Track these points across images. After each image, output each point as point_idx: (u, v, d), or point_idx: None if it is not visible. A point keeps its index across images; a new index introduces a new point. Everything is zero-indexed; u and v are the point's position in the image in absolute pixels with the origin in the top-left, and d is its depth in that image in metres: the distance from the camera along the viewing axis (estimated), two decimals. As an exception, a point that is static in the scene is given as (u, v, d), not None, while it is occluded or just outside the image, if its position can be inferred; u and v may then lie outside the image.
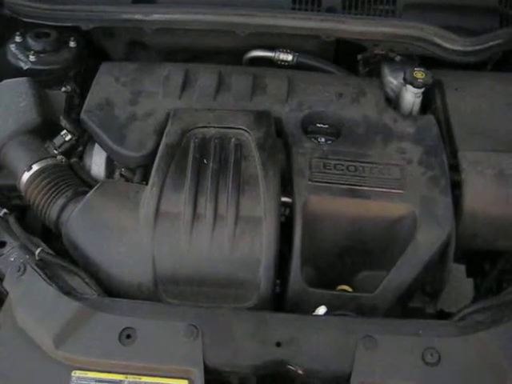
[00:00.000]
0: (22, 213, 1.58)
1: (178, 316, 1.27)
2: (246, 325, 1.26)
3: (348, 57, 1.84)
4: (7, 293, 1.33)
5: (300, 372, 1.22)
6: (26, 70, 1.72)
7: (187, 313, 1.28)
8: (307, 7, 1.82)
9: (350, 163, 1.45)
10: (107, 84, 1.64)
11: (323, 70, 1.77)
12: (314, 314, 1.31)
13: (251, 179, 1.39)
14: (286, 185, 1.44)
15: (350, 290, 1.45)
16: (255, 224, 1.35)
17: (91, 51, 1.87)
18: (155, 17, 1.74)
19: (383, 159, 1.47)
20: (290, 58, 1.78)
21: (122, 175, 1.54)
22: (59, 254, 1.40)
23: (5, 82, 1.64)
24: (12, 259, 1.37)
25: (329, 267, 1.47)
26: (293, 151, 1.48)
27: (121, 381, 1.22)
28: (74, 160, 1.55)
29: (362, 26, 1.71)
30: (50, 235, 1.51)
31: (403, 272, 1.37)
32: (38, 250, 1.35)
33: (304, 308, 1.35)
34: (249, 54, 1.81)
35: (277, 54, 1.78)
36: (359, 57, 1.80)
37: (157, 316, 1.27)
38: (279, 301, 1.39)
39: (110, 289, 1.36)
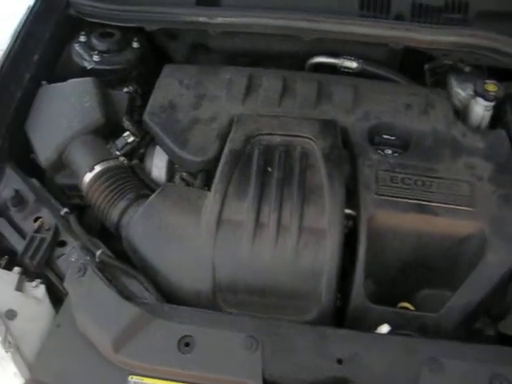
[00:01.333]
0: (81, 212, 1.58)
1: (237, 326, 1.24)
2: (307, 339, 1.23)
3: (413, 66, 1.79)
4: (67, 293, 1.34)
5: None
6: (90, 69, 1.73)
7: (247, 324, 1.26)
8: (375, 14, 1.77)
9: (418, 177, 1.41)
10: (170, 86, 1.63)
11: (388, 79, 1.73)
12: (377, 331, 1.28)
13: (316, 190, 1.36)
14: (351, 197, 1.40)
15: (411, 307, 1.41)
16: (319, 236, 1.32)
17: (153, 52, 1.86)
18: (220, 20, 1.72)
19: (452, 174, 1.43)
20: (354, 65, 1.74)
21: (182, 179, 1.53)
22: (117, 256, 1.40)
23: (70, 81, 1.64)
24: (73, 259, 1.37)
25: (390, 283, 1.43)
26: (359, 163, 1.44)
27: (177, 389, 1.21)
28: (135, 162, 1.54)
29: (431, 35, 1.65)
30: (108, 236, 1.51)
31: (471, 292, 1.32)
32: (99, 252, 1.35)
33: (365, 324, 1.32)
34: (312, 60, 1.78)
35: (341, 61, 1.75)
36: (426, 66, 1.75)
37: (216, 325, 1.25)
38: (339, 315, 1.36)
39: (167, 294, 1.34)
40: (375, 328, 1.29)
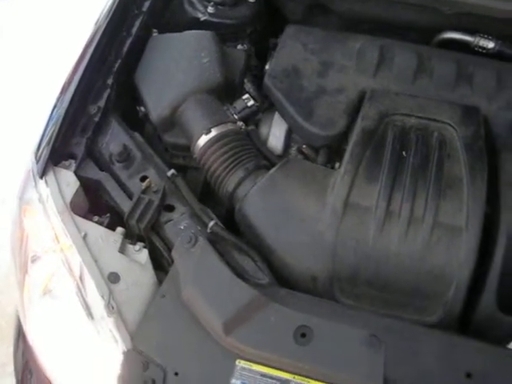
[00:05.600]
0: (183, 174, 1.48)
1: (359, 322, 1.15)
2: (434, 345, 1.13)
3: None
4: (172, 262, 1.26)
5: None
6: (203, 21, 1.61)
7: (370, 321, 1.16)
8: None
9: None
10: (294, 49, 1.50)
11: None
12: (510, 346, 1.17)
13: (455, 182, 1.24)
14: (489, 194, 1.28)
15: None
16: (454, 233, 1.20)
17: (268, 10, 1.73)
18: None
19: None
20: (491, 45, 1.57)
21: (301, 152, 1.42)
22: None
23: (187, 33, 1.53)
24: (181, 227, 1.28)
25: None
26: (501, 157, 1.31)
27: (287, 380, 1.12)
28: (251, 128, 1.43)
29: None
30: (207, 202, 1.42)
31: None
32: (212, 223, 1.26)
33: (492, 335, 1.20)
34: (443, 35, 1.62)
35: (476, 40, 1.58)
36: None
37: (336, 318, 1.16)
38: (463, 320, 1.25)
39: (280, 276, 1.25)
40: (504, 341, 1.18)
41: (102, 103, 1.43)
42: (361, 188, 1.24)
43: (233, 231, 1.32)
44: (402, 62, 1.45)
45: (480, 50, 1.60)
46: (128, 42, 1.52)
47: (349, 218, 1.22)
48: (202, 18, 1.61)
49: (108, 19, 1.50)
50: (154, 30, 1.59)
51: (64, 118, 1.37)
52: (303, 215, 1.25)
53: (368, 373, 1.10)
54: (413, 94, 1.40)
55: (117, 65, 1.49)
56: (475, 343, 1.16)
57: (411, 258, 1.21)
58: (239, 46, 1.59)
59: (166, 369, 1.14)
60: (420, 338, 1.14)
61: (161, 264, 1.29)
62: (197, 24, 1.61)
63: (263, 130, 1.46)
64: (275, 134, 1.44)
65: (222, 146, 1.33)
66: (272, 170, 1.30)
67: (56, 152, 1.35)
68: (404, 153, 1.27)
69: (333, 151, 1.38)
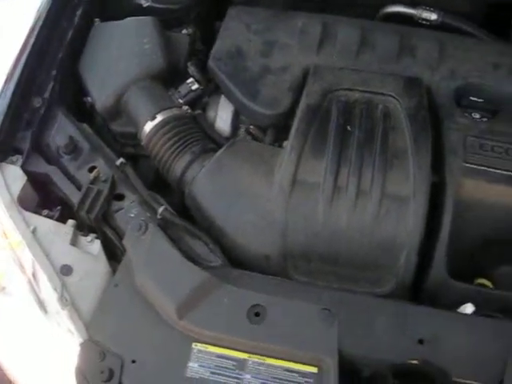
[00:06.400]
0: (134, 163, 1.47)
1: (312, 298, 1.15)
2: (387, 315, 1.14)
3: (498, 21, 1.63)
4: (124, 250, 1.25)
5: (442, 374, 1.11)
6: (146, 7, 1.59)
7: (322, 295, 1.17)
8: None
9: (510, 146, 1.28)
10: (237, 30, 1.49)
11: (470, 35, 1.58)
12: (460, 311, 1.19)
13: (400, 153, 1.25)
14: (434, 163, 1.28)
15: (489, 284, 1.31)
16: (402, 203, 1.21)
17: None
18: None
19: None
20: (434, 16, 1.58)
21: (249, 133, 1.41)
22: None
23: (128, 19, 1.52)
24: (132, 215, 1.27)
25: (468, 257, 1.32)
26: (444, 126, 1.32)
27: (244, 360, 1.13)
28: (198, 112, 1.43)
29: None
30: (161, 190, 1.41)
31: None
32: (161, 209, 1.25)
33: (443, 301, 1.22)
34: (386, 9, 1.62)
35: (419, 12, 1.59)
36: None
37: (289, 295, 1.16)
38: (415, 289, 1.27)
39: (233, 258, 1.25)
40: (455, 306, 1.20)
41: (46, 95, 1.41)
42: (307, 164, 1.24)
43: (187, 216, 1.33)
44: (344, 38, 1.45)
45: (424, 22, 1.61)
46: (70, 32, 1.50)
47: (297, 195, 1.22)
48: (145, 4, 1.59)
49: (47, 9, 1.47)
50: (96, 19, 1.56)
51: (7, 113, 1.34)
52: (252, 195, 1.25)
53: (322, 347, 1.10)
54: (356, 68, 1.40)
55: (59, 56, 1.46)
56: (427, 310, 1.17)
57: (361, 231, 1.22)
58: (184, 31, 1.57)
59: (123, 357, 1.13)
60: (372, 308, 1.15)
61: (114, 253, 1.28)
62: (140, 11, 1.58)
63: (210, 113, 1.45)
64: (222, 117, 1.43)
65: (167, 131, 1.32)
66: (218, 152, 1.29)
67: (1, 147, 1.33)
68: (349, 127, 1.28)
69: (280, 130, 1.38)
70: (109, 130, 1.47)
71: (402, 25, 1.54)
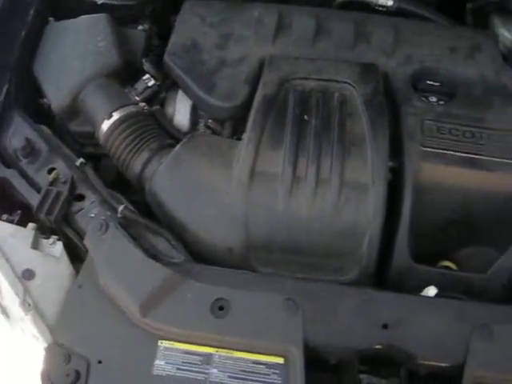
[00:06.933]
0: (96, 162, 1.46)
1: (275, 288, 1.15)
2: (350, 302, 1.15)
3: (453, 5, 1.64)
4: (87, 251, 1.24)
5: (407, 358, 1.12)
6: (101, 4, 1.57)
7: (285, 285, 1.17)
8: None
9: (467, 128, 1.29)
10: (193, 24, 1.48)
11: (427, 19, 1.58)
12: (423, 294, 1.20)
13: (357, 140, 1.25)
14: (392, 148, 1.28)
15: (453, 266, 1.32)
16: (361, 191, 1.22)
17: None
18: None
19: (502, 125, 1.31)
20: (390, 2, 1.58)
21: (208, 127, 1.40)
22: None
23: (82, 18, 1.50)
24: (92, 215, 1.26)
25: (431, 240, 1.33)
26: (401, 111, 1.32)
27: (211, 354, 1.13)
28: (156, 108, 1.41)
29: None
30: (124, 188, 1.39)
31: (523, 252, 1.24)
32: (121, 207, 1.24)
33: (408, 285, 1.23)
34: (343, -3, 1.63)
35: (375, -2, 1.60)
36: (469, 5, 1.61)
37: (252, 287, 1.16)
38: (379, 275, 1.27)
39: (196, 252, 1.25)
40: (420, 290, 1.21)
41: (1, 98, 1.39)
42: (266, 156, 1.23)
43: (150, 213, 1.32)
44: (300, 27, 1.45)
45: (381, 8, 1.60)
46: (23, 32, 1.47)
47: (256, 186, 1.22)
48: (99, 1, 1.57)
49: None
50: (51, 18, 1.54)
51: (-39, 117, 1.33)
52: (211, 189, 1.25)
53: (287, 337, 1.11)
54: (313, 56, 1.40)
55: (13, 57, 1.44)
56: (390, 295, 1.18)
57: (321, 219, 1.22)
58: (140, 27, 1.55)
59: (89, 358, 1.12)
60: (336, 296, 1.16)
61: (77, 255, 1.26)
62: (95, 8, 1.56)
63: (169, 108, 1.44)
64: (180, 111, 1.42)
65: (124, 129, 1.31)
66: (176, 148, 1.28)
67: (-44, 153, 1.31)
68: (306, 116, 1.27)
69: (238, 122, 1.37)
70: (68, 131, 1.45)
71: (358, 12, 1.54)
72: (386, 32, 1.45)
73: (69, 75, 1.40)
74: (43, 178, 1.31)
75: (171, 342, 1.14)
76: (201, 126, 1.43)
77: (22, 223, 1.28)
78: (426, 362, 1.11)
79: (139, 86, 1.42)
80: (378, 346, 1.11)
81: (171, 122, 1.42)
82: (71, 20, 1.51)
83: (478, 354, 1.09)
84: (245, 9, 1.51)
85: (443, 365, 1.11)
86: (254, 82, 1.36)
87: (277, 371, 1.11)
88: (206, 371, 1.11)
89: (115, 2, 1.57)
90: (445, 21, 1.58)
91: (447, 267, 1.32)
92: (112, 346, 1.15)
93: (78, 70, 1.40)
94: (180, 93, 1.44)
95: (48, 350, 1.15)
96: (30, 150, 1.33)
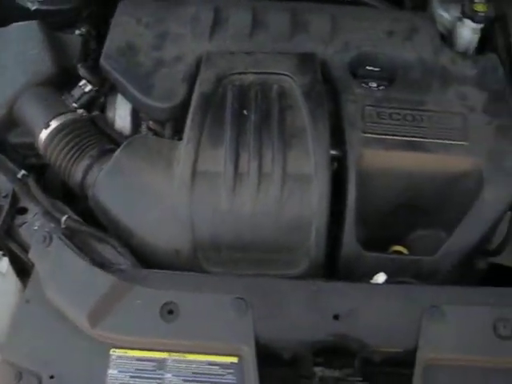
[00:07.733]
0: (40, 172, 1.43)
1: (223, 288, 1.14)
2: (299, 295, 1.14)
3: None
4: (33, 265, 1.22)
5: (361, 347, 1.12)
6: (34, 10, 1.53)
7: (234, 284, 1.16)
8: None
9: (407, 112, 1.29)
10: (127, 26, 1.45)
11: (366, 4, 1.57)
12: (373, 281, 1.20)
13: (298, 132, 1.24)
14: (334, 136, 1.28)
15: (404, 251, 1.33)
16: (304, 182, 1.21)
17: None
18: None
19: (442, 106, 1.31)
20: (330, -13, 1.58)
21: (149, 129, 1.38)
22: (85, 218, 1.28)
23: (12, 26, 1.45)
24: (35, 228, 1.23)
25: (380, 226, 1.33)
26: (342, 98, 1.31)
27: (164, 359, 1.11)
28: (95, 113, 1.39)
29: None
30: (72, 196, 1.37)
31: (468, 233, 1.24)
32: (64, 218, 1.21)
33: (358, 273, 1.23)
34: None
35: (314, -14, 1.58)
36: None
37: (200, 288, 1.14)
38: (329, 265, 1.27)
39: (144, 257, 1.23)
40: (370, 277, 1.21)
41: None
42: (206, 154, 1.22)
43: (97, 221, 1.30)
44: (237, 21, 1.43)
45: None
46: None
47: (199, 186, 1.21)
48: (33, 7, 1.53)
49: None
50: (-18, 28, 1.51)
51: None
52: (154, 192, 1.23)
53: (238, 336, 1.09)
54: (251, 50, 1.38)
55: None
56: (339, 285, 1.17)
57: (266, 214, 1.21)
58: (77, 31, 1.52)
59: (40, 374, 1.10)
60: (286, 290, 1.15)
61: (24, 269, 1.24)
62: (29, 15, 1.52)
63: (109, 113, 1.41)
64: (121, 116, 1.40)
65: (63, 137, 1.29)
66: (116, 153, 1.26)
67: None
68: (245, 111, 1.26)
69: (179, 122, 1.35)
70: (8, 143, 1.42)
71: (294, 1, 1.53)
72: (323, 20, 1.44)
73: (2, 86, 1.37)
74: None
75: (124, 350, 1.12)
76: (143, 128, 1.41)
77: (-37, 241, 1.26)
78: (380, 349, 1.11)
79: (76, 92, 1.39)
80: (330, 338, 1.12)
81: (112, 126, 1.40)
82: (0, 29, 1.47)
83: (429, 336, 1.09)
84: (180, 7, 1.48)
85: (397, 350, 1.11)
86: (192, 80, 1.34)
87: (231, 371, 1.10)
88: (161, 376, 1.10)
89: (49, 7, 1.54)
90: (383, 5, 1.58)
91: (399, 252, 1.32)
92: (63, 359, 1.13)
93: (11, 80, 1.36)
94: (119, 97, 1.41)
95: (-2, 369, 1.13)
96: (-33, 166, 1.30)
